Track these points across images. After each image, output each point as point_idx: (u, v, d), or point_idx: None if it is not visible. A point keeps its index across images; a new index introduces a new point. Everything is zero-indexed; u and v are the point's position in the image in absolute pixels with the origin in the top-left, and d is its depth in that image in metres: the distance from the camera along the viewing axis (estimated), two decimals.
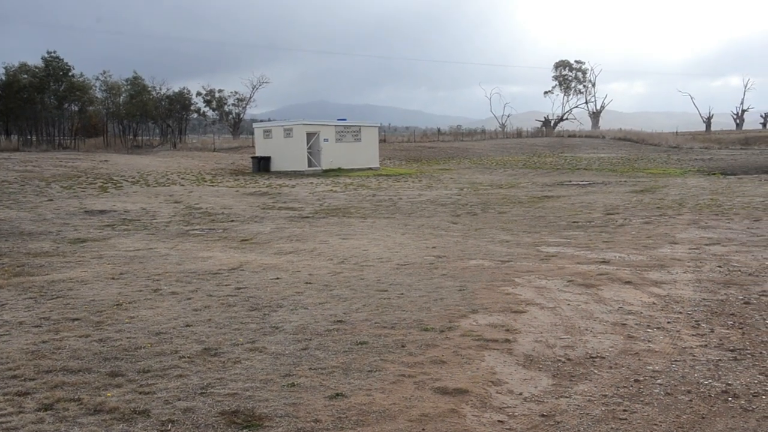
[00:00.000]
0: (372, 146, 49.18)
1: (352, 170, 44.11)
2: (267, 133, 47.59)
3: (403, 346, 8.74)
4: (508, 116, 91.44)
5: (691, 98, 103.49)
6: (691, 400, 7.26)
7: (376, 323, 9.76)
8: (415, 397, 7.17)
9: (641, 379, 7.82)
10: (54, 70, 66.41)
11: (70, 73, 67.75)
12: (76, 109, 69.49)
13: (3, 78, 65.60)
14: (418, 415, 6.75)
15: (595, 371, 8.05)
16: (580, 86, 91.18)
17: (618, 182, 34.91)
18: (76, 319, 10.13)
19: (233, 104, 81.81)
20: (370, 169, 46.02)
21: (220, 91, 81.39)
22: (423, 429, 6.46)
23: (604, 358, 8.48)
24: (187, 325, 9.74)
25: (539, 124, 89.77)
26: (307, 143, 45.21)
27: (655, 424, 6.69)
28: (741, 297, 11.41)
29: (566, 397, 7.31)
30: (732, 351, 8.81)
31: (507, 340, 9.03)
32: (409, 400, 7.07)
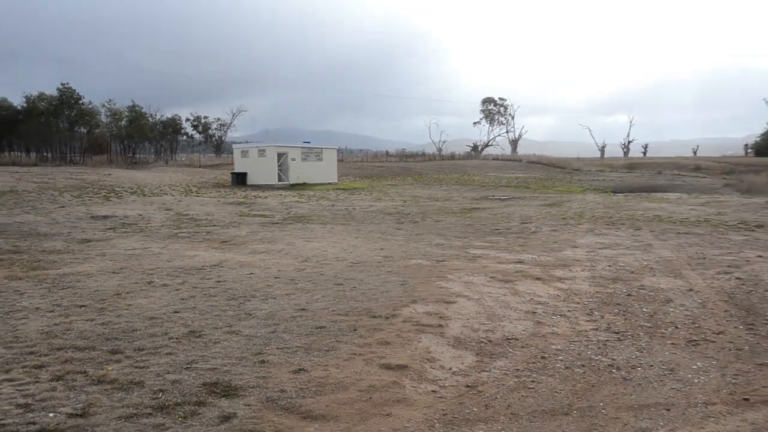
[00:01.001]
0: (331, 165, 49.18)
1: (315, 184, 43.95)
2: (244, 153, 47.49)
3: (354, 330, 8.73)
4: (444, 142, 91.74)
5: (590, 131, 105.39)
6: (584, 372, 7.35)
7: (332, 311, 9.74)
8: (364, 371, 7.18)
9: (546, 356, 7.90)
10: (67, 98, 65.59)
11: (80, 101, 67.04)
12: (85, 131, 69.02)
13: (24, 105, 65.38)
14: (367, 386, 6.76)
15: (510, 350, 8.10)
16: (502, 118, 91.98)
17: (531, 197, 35.18)
18: (83, 306, 10.01)
19: (216, 128, 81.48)
20: (330, 183, 45.93)
21: (205, 117, 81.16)
22: (370, 397, 6.47)
23: (517, 339, 8.54)
24: (176, 312, 9.66)
25: (469, 149, 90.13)
26: (278, 162, 45.14)
27: (557, 392, 6.76)
28: (625, 290, 11.55)
29: (487, 371, 7.35)
30: (617, 333, 8.93)
31: (440, 325, 9.05)
32: (359, 374, 7.08)
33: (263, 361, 7.45)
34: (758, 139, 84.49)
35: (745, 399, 6.69)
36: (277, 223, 22.22)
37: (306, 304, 10.20)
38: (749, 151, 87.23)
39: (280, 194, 35.39)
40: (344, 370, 7.22)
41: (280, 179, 44.66)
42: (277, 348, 7.94)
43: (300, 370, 7.18)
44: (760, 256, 15.46)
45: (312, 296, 10.73)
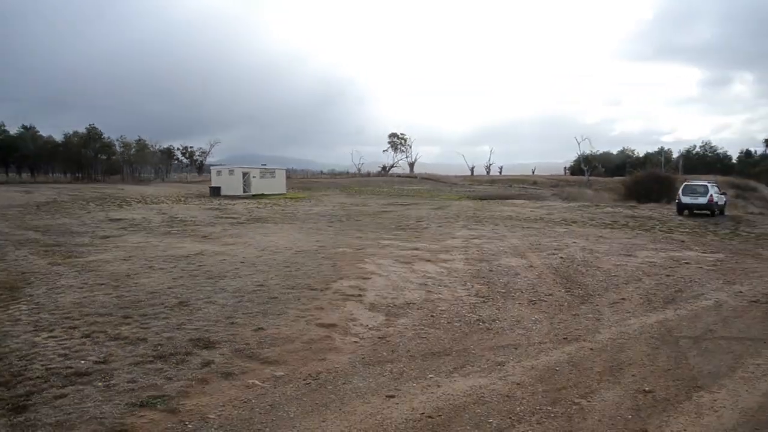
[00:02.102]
0: (282, 180, 48.65)
1: (270, 195, 43.21)
2: (219, 172, 46.69)
3: (298, 299, 8.65)
4: (362, 164, 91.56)
5: (463, 156, 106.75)
6: (460, 326, 7.49)
7: (283, 286, 9.62)
8: (305, 329, 7.14)
9: (434, 315, 8.00)
10: (92, 135, 65.74)
11: (101, 137, 67.00)
12: (105, 158, 68.38)
13: (63, 140, 65.88)
14: (307, 339, 6.74)
15: (410, 311, 8.18)
16: (403, 147, 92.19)
17: (424, 203, 35.50)
18: (103, 284, 9.64)
19: (199, 155, 79.94)
20: (281, 194, 45.19)
21: (191, 147, 79.94)
22: (310, 347, 6.46)
23: (414, 304, 8.61)
24: (169, 288, 9.39)
25: (380, 169, 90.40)
26: (243, 178, 44.54)
27: (441, 339, 6.87)
28: (488, 267, 11.77)
29: (393, 327, 7.41)
30: (482, 297, 9.11)
31: (359, 295, 9.05)
32: (302, 331, 7.04)
33: (233, 323, 7.33)
34: (572, 163, 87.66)
35: (564, 338, 6.98)
36: (243, 222, 21.82)
37: (263, 281, 10.06)
38: (567, 171, 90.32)
39: (245, 202, 34.75)
40: (291, 328, 7.17)
41: (244, 191, 43.95)
42: (243, 313, 7.82)
43: (259, 329, 7.10)
44: (575, 242, 16.05)
45: (268, 276, 10.59)
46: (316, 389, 5.32)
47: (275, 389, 5.30)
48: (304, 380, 5.53)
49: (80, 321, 7.35)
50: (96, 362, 5.85)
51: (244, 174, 45.23)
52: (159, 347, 6.32)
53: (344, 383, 5.47)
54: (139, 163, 73.23)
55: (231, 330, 7.02)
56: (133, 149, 71.26)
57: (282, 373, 5.67)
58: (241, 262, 12.10)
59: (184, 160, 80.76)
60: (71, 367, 5.69)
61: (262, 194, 43.39)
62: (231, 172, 45.60)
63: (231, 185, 44.01)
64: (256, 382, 5.45)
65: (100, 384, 5.30)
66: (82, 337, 6.65)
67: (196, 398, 5.05)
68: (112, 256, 12.88)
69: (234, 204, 32.64)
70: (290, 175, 65.00)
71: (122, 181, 61.30)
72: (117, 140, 70.19)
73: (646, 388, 5.36)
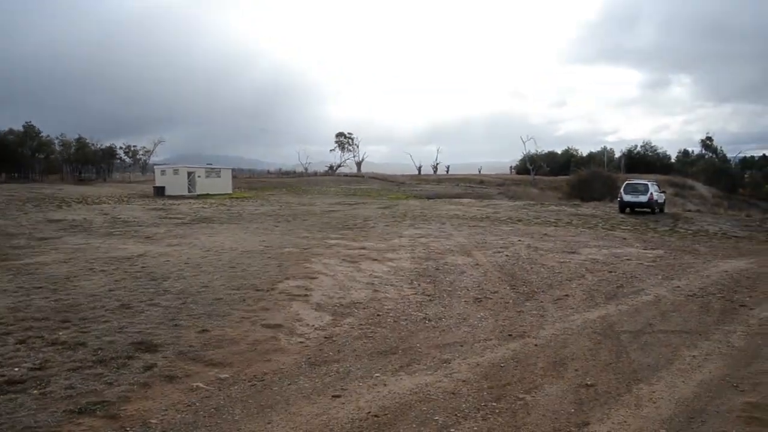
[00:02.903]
0: (227, 180, 47.91)
1: (215, 195, 42.45)
2: (163, 172, 45.70)
3: (244, 300, 8.55)
4: (309, 163, 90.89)
5: (411, 156, 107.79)
6: (407, 324, 7.56)
7: (228, 287, 9.47)
8: (250, 330, 7.08)
9: (381, 314, 8.06)
10: (29, 132, 63.17)
11: (39, 134, 64.52)
12: (43, 157, 65.59)
13: None
14: (252, 340, 6.68)
15: (356, 311, 8.21)
16: (350, 147, 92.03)
17: (371, 203, 35.54)
18: (40, 288, 9.26)
19: (142, 154, 77.79)
20: (227, 194, 44.41)
21: (134, 146, 77.70)
22: (255, 348, 6.41)
23: (361, 303, 8.65)
24: (110, 290, 9.10)
25: (327, 169, 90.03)
26: (188, 178, 43.78)
27: (387, 338, 6.93)
28: (434, 266, 11.91)
29: (339, 326, 7.42)
30: (428, 296, 9.22)
31: (306, 295, 9.02)
32: (247, 332, 6.97)
33: (176, 325, 7.19)
34: (518, 163, 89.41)
35: (509, 335, 7.14)
36: (187, 223, 21.36)
37: (208, 282, 9.89)
38: (513, 170, 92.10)
39: (190, 202, 33.99)
40: (236, 329, 7.08)
41: (189, 191, 43.13)
42: (187, 315, 7.67)
43: (204, 330, 6.99)
44: (520, 240, 16.42)
45: (212, 276, 10.41)
46: (262, 390, 5.28)
47: (220, 392, 5.23)
48: (249, 382, 5.48)
49: (15, 326, 7.04)
50: (31, 369, 5.62)
51: (189, 174, 44.41)
52: (99, 352, 6.13)
53: (290, 384, 5.45)
54: (79, 162, 70.56)
55: (174, 332, 6.88)
56: (73, 148, 68.63)
57: (227, 375, 5.61)
58: (186, 263, 11.85)
59: (128, 160, 78.65)
60: (3, 375, 5.45)
61: (208, 194, 42.62)
62: (176, 171, 44.69)
63: (176, 185, 43.11)
64: (200, 384, 5.37)
65: (35, 392, 5.11)
66: (16, 344, 6.37)
67: (137, 403, 4.94)
68: (51, 259, 12.40)
69: (179, 204, 31.90)
70: (236, 174, 63.88)
71: (62, 181, 58.89)
72: (56, 138, 67.72)
73: (589, 382, 5.54)
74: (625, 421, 4.70)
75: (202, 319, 7.48)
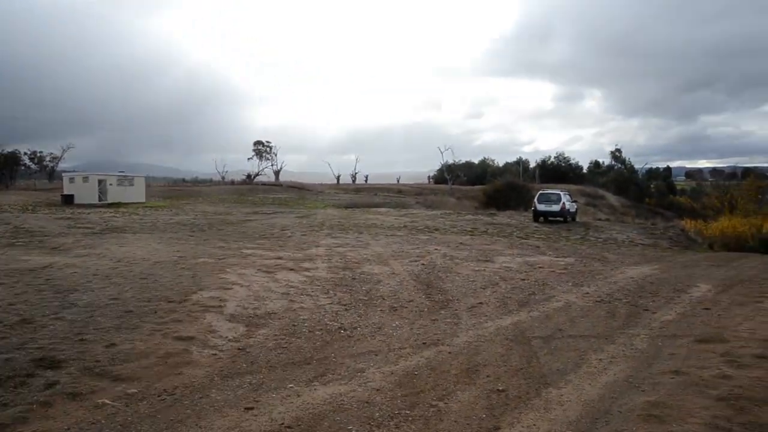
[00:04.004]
0: (141, 188, 46.02)
1: (128, 204, 40.74)
2: (71, 179, 43.48)
3: (155, 312, 8.26)
4: (226, 171, 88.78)
5: (329, 165, 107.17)
6: (322, 334, 7.58)
7: (139, 299, 9.11)
8: (162, 343, 6.86)
9: (296, 324, 8.02)
10: None
11: None
12: None
13: None
14: (163, 353, 6.49)
15: (271, 321, 8.13)
16: (268, 156, 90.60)
17: (289, 212, 35.20)
18: None
19: (50, 161, 73.35)
20: (140, 203, 42.76)
21: (40, 152, 73.08)
22: (166, 362, 6.23)
23: (276, 313, 8.57)
24: (10, 304, 8.52)
25: (245, 177, 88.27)
26: (99, 186, 41.83)
27: (302, 349, 6.92)
28: (350, 275, 11.96)
29: (253, 337, 7.34)
30: (344, 305, 9.27)
31: (220, 306, 8.82)
32: (158, 345, 6.75)
33: (82, 340, 6.85)
34: (436, 173, 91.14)
35: (424, 343, 7.30)
36: (97, 233, 20.33)
37: (118, 294, 9.46)
38: (431, 180, 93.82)
39: (100, 211, 32.36)
40: (146, 342, 6.85)
41: (100, 200, 41.19)
42: (94, 329, 7.32)
43: (111, 344, 6.71)
44: (436, 249, 16.78)
45: (123, 288, 9.97)
46: (172, 405, 5.15)
47: (127, 408, 5.06)
48: (158, 396, 5.33)
49: None
50: None
51: (100, 181, 42.48)
52: None
53: (201, 397, 5.35)
54: None
55: (80, 347, 6.57)
56: None
57: (135, 391, 5.42)
58: (94, 275, 11.29)
59: (33, 166, 73.91)
60: None
61: (120, 203, 40.80)
62: (85, 179, 42.65)
63: (85, 193, 41.14)
64: (107, 401, 5.17)
65: None
66: None
67: (37, 423, 4.69)
68: None
69: (88, 213, 30.29)
70: (150, 182, 61.51)
71: None
72: None
73: (500, 387, 5.71)
74: (534, 424, 4.87)
75: (110, 333, 7.18)
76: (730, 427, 4.59)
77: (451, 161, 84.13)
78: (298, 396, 5.43)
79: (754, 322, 8.27)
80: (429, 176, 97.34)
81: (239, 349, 6.83)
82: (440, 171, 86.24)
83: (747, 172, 65.64)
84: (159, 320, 7.87)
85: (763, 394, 5.28)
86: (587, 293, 10.74)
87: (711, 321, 8.54)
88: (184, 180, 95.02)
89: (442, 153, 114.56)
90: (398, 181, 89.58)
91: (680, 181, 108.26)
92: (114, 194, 42.52)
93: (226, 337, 7.29)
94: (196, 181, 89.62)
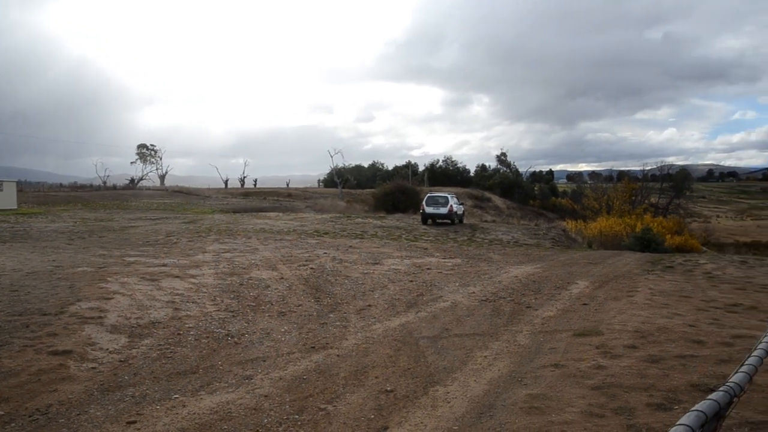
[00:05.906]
0: (12, 194, 42.06)
1: None
2: None
3: (27, 326, 7.61)
4: (108, 176, 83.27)
5: (217, 169, 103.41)
6: (208, 342, 7.38)
7: (8, 313, 8.35)
8: (34, 359, 6.35)
9: (181, 332, 7.75)
10: None
11: None
12: None
13: None
14: (36, 370, 6.01)
15: (155, 331, 7.79)
16: (153, 159, 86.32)
17: (175, 217, 33.72)
18: None
19: None
20: (10, 210, 39.14)
21: None
22: (39, 379, 5.78)
23: (160, 322, 8.22)
24: None
25: (128, 182, 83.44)
26: None
27: (188, 358, 6.70)
28: (238, 281, 11.69)
29: (136, 348, 7.00)
30: (232, 312, 9.06)
31: (100, 317, 8.30)
32: (29, 362, 6.24)
33: None
34: (326, 176, 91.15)
35: (312, 347, 7.31)
36: None
37: None
38: (321, 183, 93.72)
39: None
40: (16, 359, 6.31)
41: None
42: None
43: None
44: (325, 253, 16.80)
45: None
46: (45, 425, 4.81)
47: None
48: (30, 417, 4.95)
49: None
50: None
51: None
52: None
53: (78, 414, 5.03)
54: None
55: None
56: None
57: (2, 412, 5.00)
58: None
59: None
60: None
61: None
62: None
63: None
64: None
65: None
66: None
67: None
68: None
69: None
70: (23, 188, 56.53)
71: None
72: None
73: (388, 388, 5.79)
74: (422, 422, 4.97)
75: None
76: (604, 413, 4.91)
77: (341, 165, 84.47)
78: (184, 407, 5.25)
79: (626, 315, 8.89)
80: (319, 180, 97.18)
81: (121, 361, 6.49)
82: (330, 175, 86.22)
83: (622, 175, 71.08)
84: (31, 334, 7.29)
85: (632, 381, 5.70)
86: (473, 293, 11.16)
87: (588, 315, 9.11)
88: (61, 185, 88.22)
89: (332, 157, 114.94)
90: (288, 185, 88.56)
91: (562, 184, 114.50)
92: None
93: (107, 349, 6.90)
94: (76, 186, 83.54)
